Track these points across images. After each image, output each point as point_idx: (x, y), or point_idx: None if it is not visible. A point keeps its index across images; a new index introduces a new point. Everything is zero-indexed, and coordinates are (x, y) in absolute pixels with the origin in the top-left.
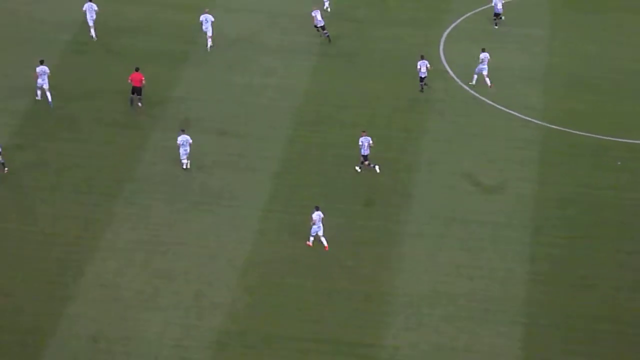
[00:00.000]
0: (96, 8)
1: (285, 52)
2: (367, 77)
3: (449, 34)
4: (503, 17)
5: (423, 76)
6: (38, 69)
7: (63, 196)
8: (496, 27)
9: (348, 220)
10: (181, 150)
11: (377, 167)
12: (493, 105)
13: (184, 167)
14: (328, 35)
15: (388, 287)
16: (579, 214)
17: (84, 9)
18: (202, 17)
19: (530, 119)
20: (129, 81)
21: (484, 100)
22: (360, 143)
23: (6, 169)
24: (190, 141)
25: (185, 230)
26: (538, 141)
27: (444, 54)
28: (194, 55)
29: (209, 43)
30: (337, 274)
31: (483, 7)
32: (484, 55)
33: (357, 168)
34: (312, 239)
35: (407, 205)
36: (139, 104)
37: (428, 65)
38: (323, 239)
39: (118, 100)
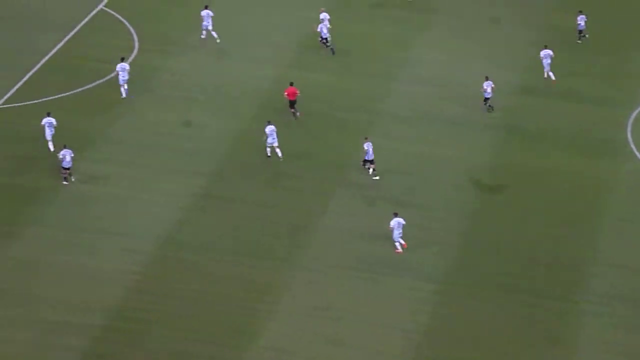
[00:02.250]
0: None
1: (462, 125)
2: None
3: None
4: (587, 35)
5: (488, 97)
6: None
7: (238, 259)
8: (579, 42)
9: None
10: (269, 140)
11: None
12: None
13: (269, 154)
14: (332, 48)
15: None
16: None
17: None
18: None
19: None
20: (285, 95)
21: None
22: (365, 147)
23: (73, 178)
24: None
25: (361, 299)
26: None
27: (632, 135)
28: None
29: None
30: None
31: None
32: None
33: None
34: (396, 244)
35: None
36: (297, 113)
37: (493, 86)
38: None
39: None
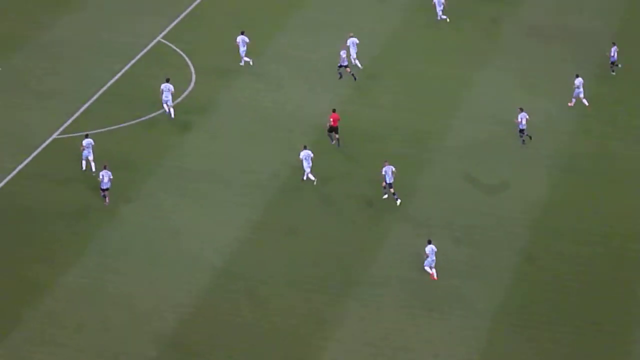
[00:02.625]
0: None
1: (520, 159)
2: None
3: None
4: (620, 65)
5: (523, 128)
6: (162, 86)
7: (292, 291)
8: (613, 73)
9: None
10: (304, 164)
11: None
12: None
13: (305, 177)
14: (352, 74)
15: None
16: None
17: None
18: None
19: None
20: (329, 120)
21: None
22: (383, 172)
23: (107, 200)
24: (312, 155)
25: (415, 335)
26: None
27: None
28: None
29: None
30: None
31: None
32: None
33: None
34: (428, 269)
35: None
36: (338, 140)
37: (527, 117)
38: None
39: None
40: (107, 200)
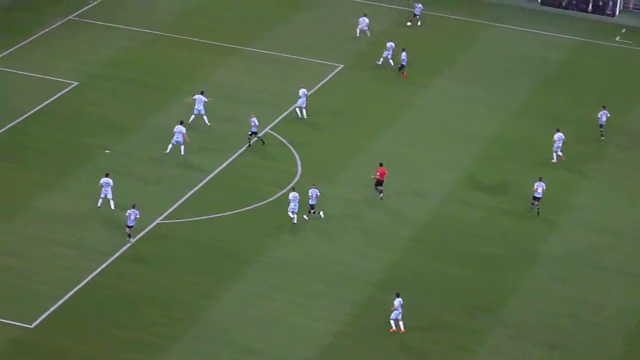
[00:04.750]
0: None
1: (626, 274)
2: None
3: None
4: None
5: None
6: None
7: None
8: (602, 138)
9: None
10: (291, 205)
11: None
12: None
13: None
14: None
15: None
16: None
17: None
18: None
19: None
20: (377, 174)
21: None
22: (309, 194)
23: (131, 239)
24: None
25: None
26: None
27: None
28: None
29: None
30: None
31: None
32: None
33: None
34: (392, 322)
35: None
36: (382, 195)
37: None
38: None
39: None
40: (131, 238)
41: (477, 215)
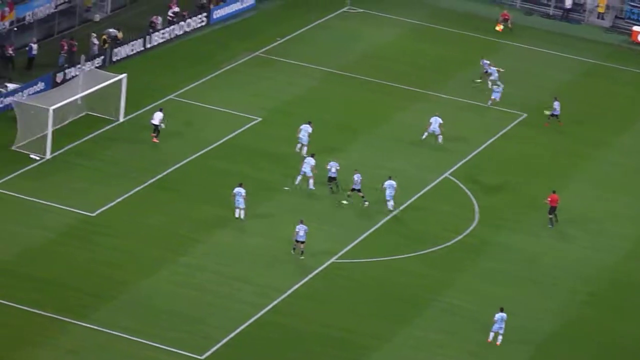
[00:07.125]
0: None
1: None
2: None
3: None
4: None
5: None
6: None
7: None
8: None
9: None
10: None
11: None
12: None
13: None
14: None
15: None
16: None
17: None
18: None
19: None
20: (548, 200)
21: None
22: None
23: (303, 257)
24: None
25: None
26: None
27: None
28: None
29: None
30: None
31: None
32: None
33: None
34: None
35: None
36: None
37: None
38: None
39: None
40: (302, 254)
41: None
